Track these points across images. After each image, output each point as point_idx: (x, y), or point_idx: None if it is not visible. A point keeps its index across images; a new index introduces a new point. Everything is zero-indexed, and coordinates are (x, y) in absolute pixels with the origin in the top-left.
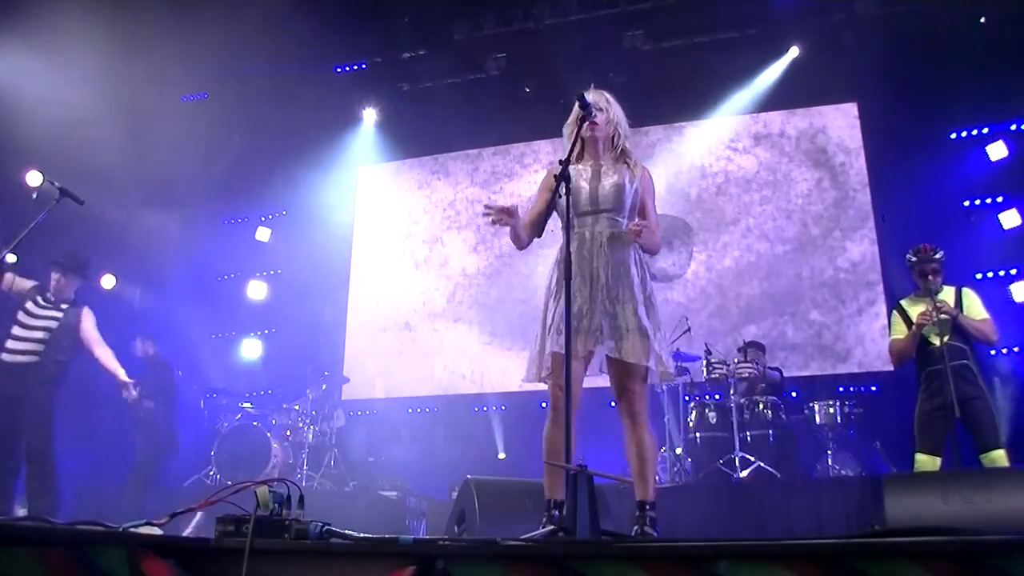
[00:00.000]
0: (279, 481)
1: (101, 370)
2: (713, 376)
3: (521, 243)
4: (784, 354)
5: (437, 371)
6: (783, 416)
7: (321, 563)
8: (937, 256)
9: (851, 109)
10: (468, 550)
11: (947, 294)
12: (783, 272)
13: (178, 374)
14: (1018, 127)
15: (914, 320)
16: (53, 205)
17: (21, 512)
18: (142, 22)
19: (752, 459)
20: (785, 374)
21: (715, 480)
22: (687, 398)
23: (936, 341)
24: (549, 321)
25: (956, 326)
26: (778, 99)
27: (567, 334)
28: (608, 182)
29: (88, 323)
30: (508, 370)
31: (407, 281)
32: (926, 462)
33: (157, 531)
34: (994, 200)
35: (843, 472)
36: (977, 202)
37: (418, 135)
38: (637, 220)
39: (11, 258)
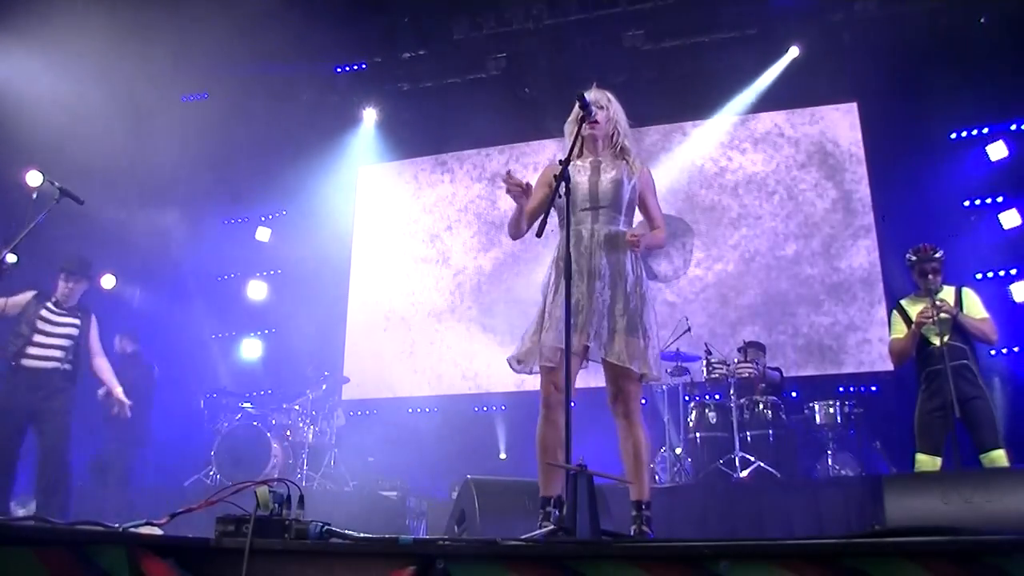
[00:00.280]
0: (279, 481)
1: (92, 376)
2: (713, 376)
3: (519, 231)
4: (784, 354)
5: (437, 371)
6: (783, 416)
7: (321, 563)
8: (937, 256)
9: (851, 109)
10: (468, 550)
11: (947, 294)
12: (783, 271)
13: (156, 373)
14: (1018, 127)
15: (914, 320)
16: (53, 205)
17: (20, 512)
18: (142, 22)
19: (752, 459)
20: (785, 374)
21: (715, 480)
22: (687, 398)
23: (936, 341)
24: (546, 316)
25: (956, 326)
26: (778, 99)
27: (567, 334)
28: (607, 178)
29: (95, 332)
30: (508, 370)
31: (407, 281)
32: (926, 462)
33: (157, 531)
34: (994, 200)
35: (843, 472)
36: (977, 202)
37: (418, 135)
38: (637, 225)
39: (11, 258)
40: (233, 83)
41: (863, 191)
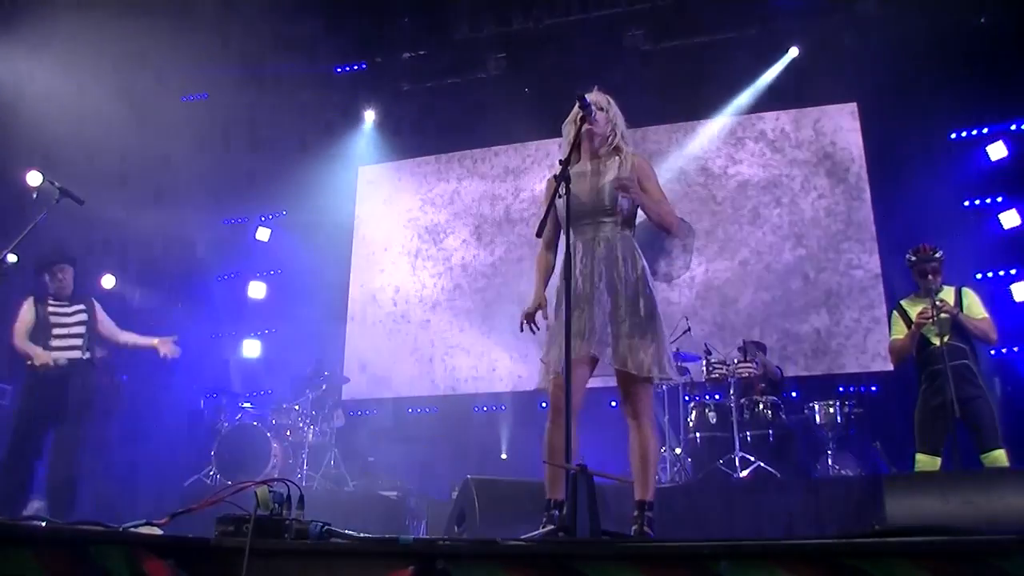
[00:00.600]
0: (279, 481)
1: (123, 339)
2: (713, 376)
3: (550, 272)
4: (784, 354)
5: (437, 371)
6: (783, 416)
7: (321, 563)
8: (937, 256)
9: (851, 109)
10: (468, 550)
11: (947, 294)
12: (782, 271)
13: (122, 380)
14: (1018, 127)
15: (914, 320)
16: (53, 205)
17: (36, 504)
18: (142, 22)
19: (752, 459)
20: (785, 374)
21: (715, 480)
22: (687, 398)
23: (936, 341)
24: (553, 334)
25: (956, 326)
26: (778, 99)
27: (567, 335)
28: (606, 181)
29: (102, 314)
30: (509, 370)
31: (407, 281)
32: (926, 462)
33: (157, 531)
34: (994, 200)
35: (843, 472)
36: (977, 202)
37: (418, 135)
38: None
39: (12, 258)
40: (233, 83)
41: (863, 191)
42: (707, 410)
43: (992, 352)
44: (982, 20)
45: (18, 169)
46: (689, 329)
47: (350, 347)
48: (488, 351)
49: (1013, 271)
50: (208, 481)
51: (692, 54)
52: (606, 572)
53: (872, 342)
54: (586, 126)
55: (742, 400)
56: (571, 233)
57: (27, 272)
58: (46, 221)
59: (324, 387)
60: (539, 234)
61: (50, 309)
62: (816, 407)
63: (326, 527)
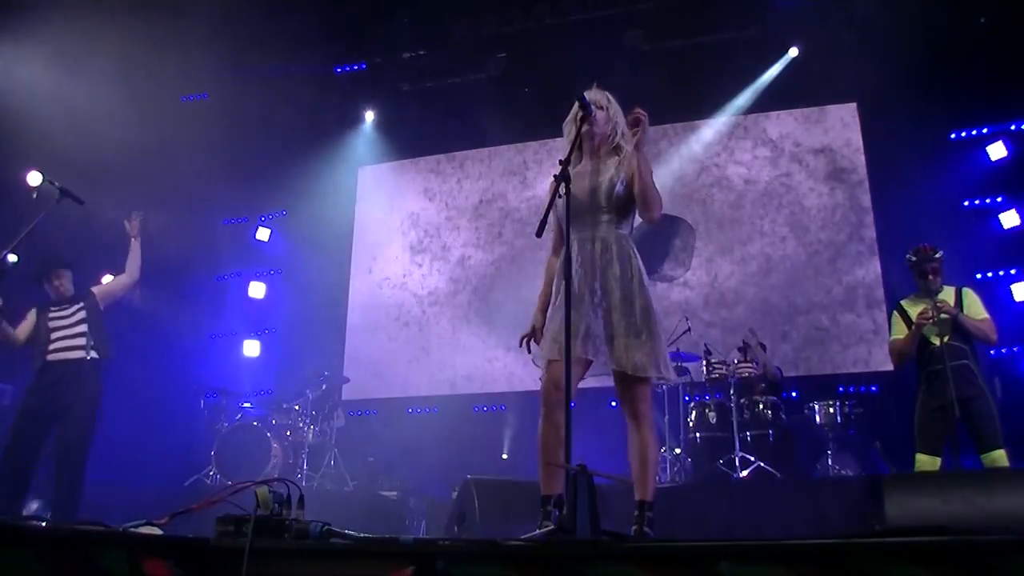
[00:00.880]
0: (279, 481)
1: (133, 270)
2: (713, 376)
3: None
4: (784, 354)
5: (437, 371)
6: (783, 416)
7: (321, 563)
8: (937, 256)
9: (851, 109)
10: (468, 550)
11: (947, 294)
12: (782, 271)
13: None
14: (1018, 127)
15: (914, 320)
16: (53, 205)
17: (35, 505)
18: (142, 22)
19: (752, 459)
20: (785, 374)
21: (715, 480)
22: (687, 398)
23: (936, 341)
24: (555, 325)
25: (956, 326)
26: (778, 99)
27: (566, 335)
28: (605, 179)
29: (101, 291)
30: (509, 370)
31: (407, 281)
32: (926, 462)
33: (157, 531)
34: (994, 200)
35: (843, 472)
36: (977, 202)
37: (418, 135)
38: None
39: (12, 258)
40: (233, 83)
41: (863, 191)
42: (707, 410)
43: (992, 352)
44: (982, 20)
45: (18, 169)
46: (689, 329)
47: (350, 347)
48: (488, 351)
49: (1013, 271)
50: (208, 481)
51: (692, 54)
52: (606, 572)
53: (872, 342)
54: (586, 126)
55: (742, 400)
56: (570, 232)
57: (27, 273)
58: (46, 221)
59: (324, 387)
60: (539, 234)
61: (50, 315)
62: (816, 407)
63: (326, 527)
